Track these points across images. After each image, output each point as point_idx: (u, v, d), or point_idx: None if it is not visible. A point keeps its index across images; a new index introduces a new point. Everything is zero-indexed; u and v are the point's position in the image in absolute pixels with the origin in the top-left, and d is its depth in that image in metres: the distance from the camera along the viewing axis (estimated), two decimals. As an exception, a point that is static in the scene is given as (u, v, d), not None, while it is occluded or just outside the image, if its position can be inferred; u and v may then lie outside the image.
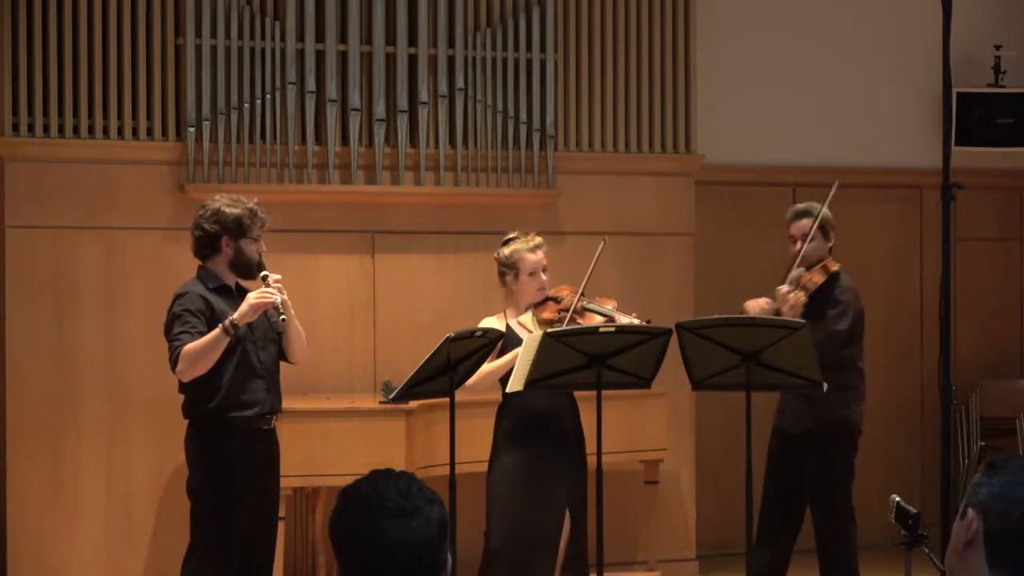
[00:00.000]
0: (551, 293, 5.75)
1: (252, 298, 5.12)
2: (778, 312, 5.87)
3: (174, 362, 5.09)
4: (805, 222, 6.07)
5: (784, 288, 5.94)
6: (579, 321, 5.61)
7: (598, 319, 5.61)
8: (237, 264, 5.27)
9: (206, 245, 5.27)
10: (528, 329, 5.65)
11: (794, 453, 6.01)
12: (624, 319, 5.55)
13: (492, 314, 5.77)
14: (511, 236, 5.79)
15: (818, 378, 5.43)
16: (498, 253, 5.75)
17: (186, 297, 5.17)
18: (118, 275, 6.89)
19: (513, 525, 5.55)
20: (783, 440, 6.06)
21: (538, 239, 5.74)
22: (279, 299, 5.14)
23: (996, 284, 8.89)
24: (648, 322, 5.53)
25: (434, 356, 5.19)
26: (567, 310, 5.63)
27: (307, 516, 6.99)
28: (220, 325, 5.06)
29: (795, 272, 5.99)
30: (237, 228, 5.23)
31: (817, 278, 5.96)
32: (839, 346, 5.90)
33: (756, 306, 6.04)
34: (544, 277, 5.69)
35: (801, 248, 6.01)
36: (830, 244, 6.11)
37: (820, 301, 5.94)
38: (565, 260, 6.48)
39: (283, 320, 5.17)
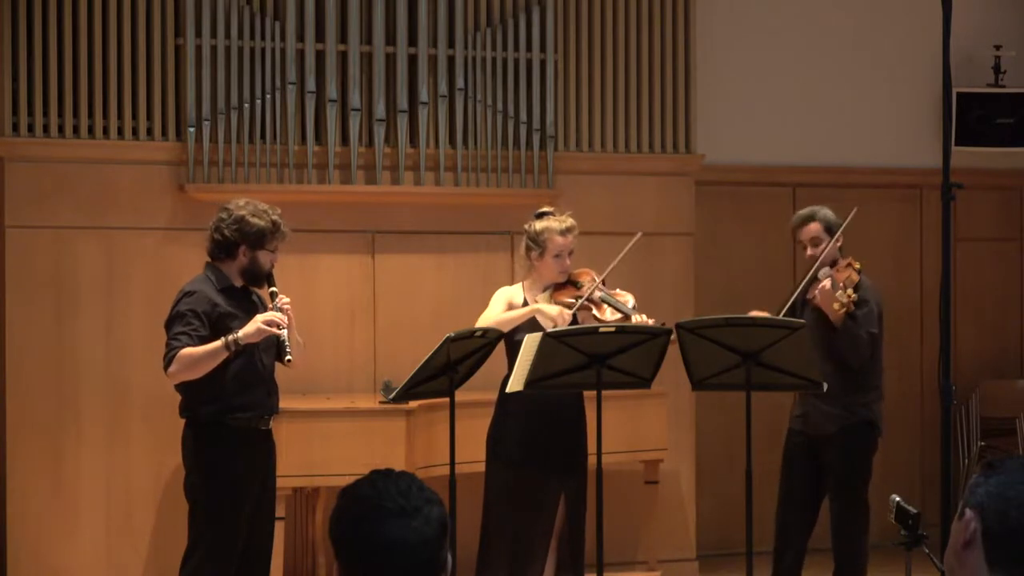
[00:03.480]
0: (572, 276, 5.76)
1: (261, 321, 5.07)
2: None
3: (168, 362, 5.06)
4: (813, 226, 6.09)
5: (826, 286, 5.77)
6: (593, 311, 5.62)
7: (608, 313, 5.61)
8: (249, 273, 5.25)
9: (222, 249, 5.24)
10: None
11: (816, 455, 6.04)
12: (636, 318, 5.55)
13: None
14: (545, 211, 5.78)
15: (818, 378, 5.44)
16: (529, 225, 5.73)
17: (194, 297, 5.14)
18: (118, 275, 6.89)
19: (511, 505, 5.56)
20: (805, 443, 6.08)
21: (571, 221, 5.73)
22: (286, 333, 5.11)
23: (996, 284, 8.89)
24: (663, 325, 5.53)
25: (434, 356, 5.19)
26: (583, 298, 5.64)
27: (307, 516, 6.99)
28: (223, 339, 5.03)
29: (824, 272, 5.96)
30: (258, 240, 5.21)
31: (854, 276, 5.94)
32: (875, 347, 5.94)
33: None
34: (568, 261, 5.70)
35: (815, 252, 6.05)
36: (839, 244, 6.12)
37: None
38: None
39: (288, 362, 5.15)
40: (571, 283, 5.75)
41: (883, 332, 6.09)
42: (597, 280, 5.72)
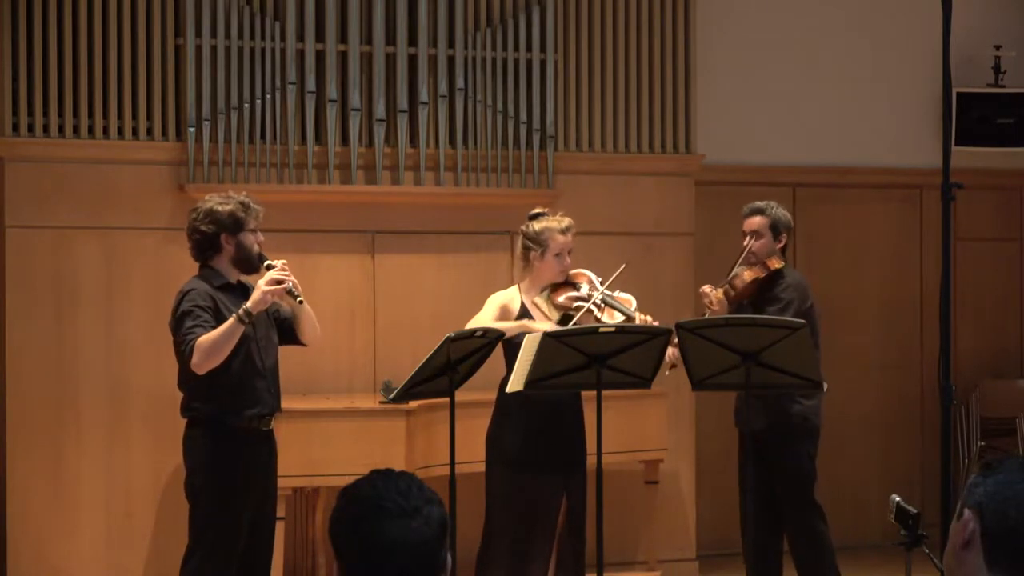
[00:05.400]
0: (569, 277, 5.75)
1: (263, 284, 5.09)
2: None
3: (188, 354, 5.03)
4: (753, 220, 6.07)
5: (706, 288, 5.89)
6: (596, 314, 5.60)
7: (617, 316, 5.60)
8: (240, 259, 5.26)
9: (206, 247, 5.25)
10: (542, 311, 5.66)
11: (759, 452, 5.91)
12: (639, 319, 5.55)
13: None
14: (540, 211, 5.77)
15: (818, 378, 5.44)
16: (527, 226, 5.71)
17: (193, 293, 5.15)
18: (118, 275, 6.89)
19: (512, 506, 5.56)
20: (746, 440, 5.97)
21: (569, 220, 5.72)
22: (290, 282, 5.13)
23: (996, 284, 8.89)
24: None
25: (434, 356, 5.19)
26: (586, 300, 5.62)
27: (307, 516, 7.00)
28: (234, 315, 5.03)
29: (735, 270, 5.98)
30: (234, 223, 5.22)
31: (748, 276, 5.92)
32: None
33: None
34: (568, 260, 5.69)
35: (749, 244, 6.02)
36: (780, 245, 6.09)
37: (762, 300, 5.92)
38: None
39: (300, 302, 5.17)
40: (569, 283, 5.74)
41: (813, 328, 5.85)
42: (596, 285, 5.70)
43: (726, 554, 7.75)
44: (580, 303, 5.62)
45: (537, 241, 5.67)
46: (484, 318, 5.63)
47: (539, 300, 5.69)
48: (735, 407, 6.08)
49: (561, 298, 5.67)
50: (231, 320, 5.03)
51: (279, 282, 5.10)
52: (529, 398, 5.43)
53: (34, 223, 6.80)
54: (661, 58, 7.67)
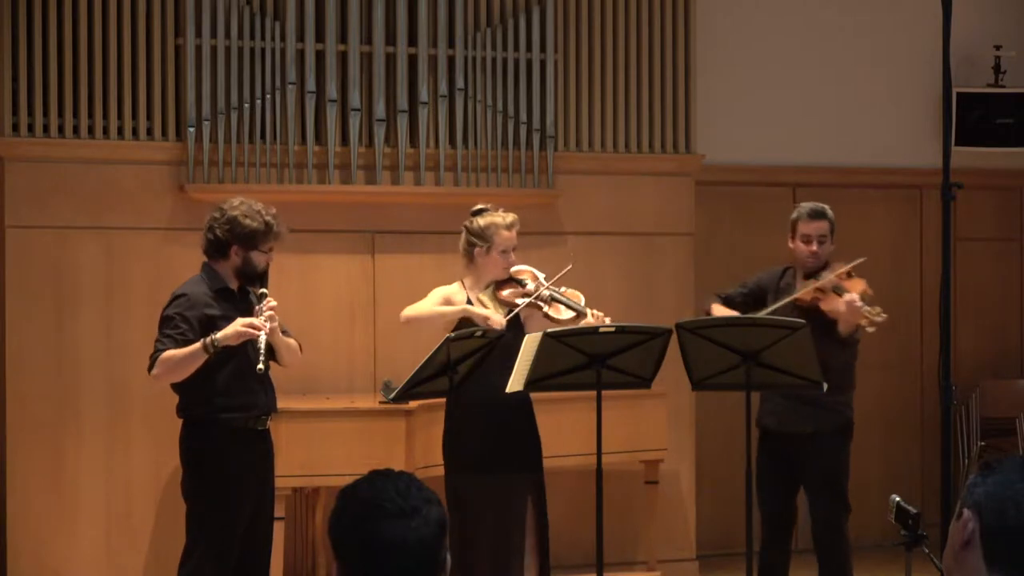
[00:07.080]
0: (513, 273, 5.72)
1: (240, 325, 5.04)
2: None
3: (151, 365, 5.07)
4: (822, 223, 6.02)
5: (856, 302, 5.68)
6: (546, 310, 5.59)
7: (564, 311, 5.59)
8: (243, 273, 5.23)
9: (216, 249, 5.23)
10: (485, 306, 5.63)
11: (793, 453, 5.96)
12: (590, 315, 5.53)
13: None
14: (483, 207, 5.71)
15: (818, 378, 5.43)
16: (470, 222, 5.66)
17: (183, 300, 5.14)
18: (118, 275, 6.89)
19: (483, 510, 5.52)
20: (780, 442, 5.98)
21: (513, 216, 5.68)
22: (262, 343, 5.02)
23: (996, 284, 8.90)
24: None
25: (434, 356, 5.19)
26: (531, 294, 5.60)
27: (307, 516, 7.00)
28: (201, 342, 5.02)
29: (829, 278, 5.88)
30: (249, 240, 5.19)
31: (867, 289, 5.86)
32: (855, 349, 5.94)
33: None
34: (513, 256, 5.67)
35: (819, 251, 5.98)
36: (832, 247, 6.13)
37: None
38: (565, 260, 6.46)
39: (260, 370, 4.99)
40: (513, 280, 5.71)
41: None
42: (541, 280, 5.68)
43: (726, 554, 7.76)
44: (525, 297, 5.61)
45: (482, 237, 5.63)
46: (427, 303, 5.64)
47: (483, 296, 5.67)
48: (767, 408, 6.04)
49: (506, 292, 5.64)
50: (197, 346, 5.01)
51: (257, 328, 5.03)
52: (478, 402, 5.43)
53: (34, 223, 6.80)
54: (661, 58, 7.67)
